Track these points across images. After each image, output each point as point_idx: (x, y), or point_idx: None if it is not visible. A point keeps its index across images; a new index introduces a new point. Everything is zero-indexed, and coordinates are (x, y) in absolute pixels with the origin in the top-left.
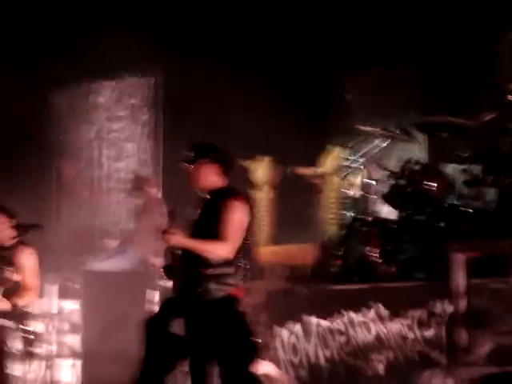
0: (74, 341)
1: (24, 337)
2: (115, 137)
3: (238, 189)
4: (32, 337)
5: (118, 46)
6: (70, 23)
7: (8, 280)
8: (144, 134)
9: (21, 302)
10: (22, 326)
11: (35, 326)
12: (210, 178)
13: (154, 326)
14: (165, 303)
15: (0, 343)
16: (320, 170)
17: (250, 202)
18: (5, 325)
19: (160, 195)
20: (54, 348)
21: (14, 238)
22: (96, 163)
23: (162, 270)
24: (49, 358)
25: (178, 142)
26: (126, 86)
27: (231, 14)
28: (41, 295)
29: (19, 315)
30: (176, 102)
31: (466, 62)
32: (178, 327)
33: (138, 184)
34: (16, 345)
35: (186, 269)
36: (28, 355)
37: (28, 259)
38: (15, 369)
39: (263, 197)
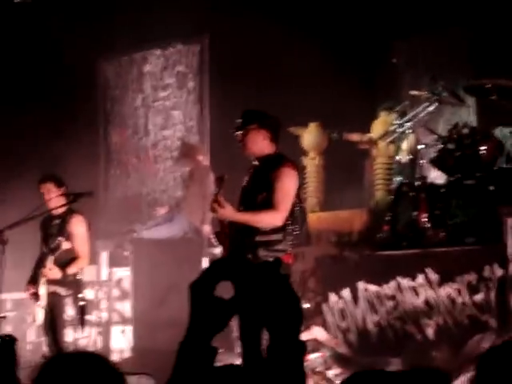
0: (125, 307)
1: (75, 304)
2: (162, 104)
3: (287, 155)
4: (83, 304)
5: (164, 13)
6: None
7: (59, 248)
8: (191, 101)
9: (72, 269)
10: (73, 293)
11: (86, 293)
12: (259, 144)
13: (200, 288)
14: (211, 266)
15: (53, 310)
16: (368, 135)
17: (298, 168)
18: (57, 292)
19: (208, 162)
20: (104, 315)
21: (64, 206)
22: (143, 131)
23: (211, 236)
24: (100, 325)
25: (225, 109)
26: (172, 54)
27: None
28: (91, 262)
29: (70, 282)
30: (223, 68)
31: None
32: (224, 290)
33: (185, 151)
34: (68, 312)
35: (235, 235)
36: (80, 322)
37: (78, 227)
38: (67, 335)
39: (312, 163)
